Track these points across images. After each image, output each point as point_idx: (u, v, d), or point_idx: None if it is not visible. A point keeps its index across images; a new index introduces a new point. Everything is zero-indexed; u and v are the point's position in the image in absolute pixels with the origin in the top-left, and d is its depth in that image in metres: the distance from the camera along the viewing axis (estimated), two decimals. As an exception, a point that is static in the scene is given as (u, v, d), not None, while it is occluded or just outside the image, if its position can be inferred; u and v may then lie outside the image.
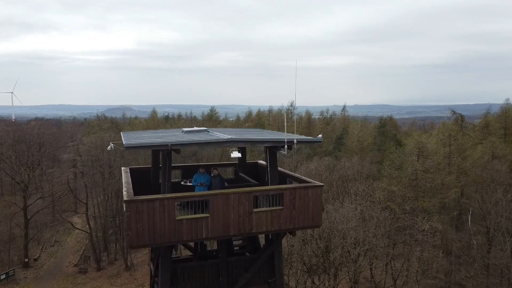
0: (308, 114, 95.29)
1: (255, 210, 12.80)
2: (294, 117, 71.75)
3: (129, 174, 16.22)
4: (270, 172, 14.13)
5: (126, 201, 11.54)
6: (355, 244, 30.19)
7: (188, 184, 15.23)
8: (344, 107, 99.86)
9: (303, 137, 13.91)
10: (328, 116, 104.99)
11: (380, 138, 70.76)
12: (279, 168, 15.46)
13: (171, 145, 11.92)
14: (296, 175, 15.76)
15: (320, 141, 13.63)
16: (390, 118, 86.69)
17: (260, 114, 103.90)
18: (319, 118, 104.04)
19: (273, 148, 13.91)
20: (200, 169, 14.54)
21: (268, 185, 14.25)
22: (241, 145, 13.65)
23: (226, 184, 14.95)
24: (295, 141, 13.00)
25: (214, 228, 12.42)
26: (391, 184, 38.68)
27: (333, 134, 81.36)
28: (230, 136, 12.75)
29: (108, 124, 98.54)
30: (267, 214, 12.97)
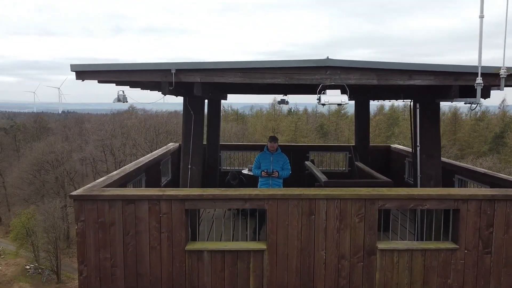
0: (454, 109, 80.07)
1: (380, 245, 5.08)
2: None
3: (169, 153, 9.91)
4: (422, 157, 6.17)
5: (73, 197, 4.98)
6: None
7: (249, 173, 8.27)
8: (503, 101, 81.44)
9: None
10: (480, 111, 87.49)
11: None
12: (442, 158, 7.22)
13: (176, 70, 4.96)
14: (483, 170, 7.34)
15: None
16: None
17: (394, 108, 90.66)
18: (466, 114, 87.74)
19: (438, 96, 5.86)
20: (269, 143, 7.27)
21: (417, 186, 6.29)
22: (350, 79, 5.31)
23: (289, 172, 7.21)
24: None
25: (275, 281, 5.11)
26: None
27: (487, 132, 67.55)
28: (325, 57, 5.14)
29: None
30: (415, 259, 5.09)
